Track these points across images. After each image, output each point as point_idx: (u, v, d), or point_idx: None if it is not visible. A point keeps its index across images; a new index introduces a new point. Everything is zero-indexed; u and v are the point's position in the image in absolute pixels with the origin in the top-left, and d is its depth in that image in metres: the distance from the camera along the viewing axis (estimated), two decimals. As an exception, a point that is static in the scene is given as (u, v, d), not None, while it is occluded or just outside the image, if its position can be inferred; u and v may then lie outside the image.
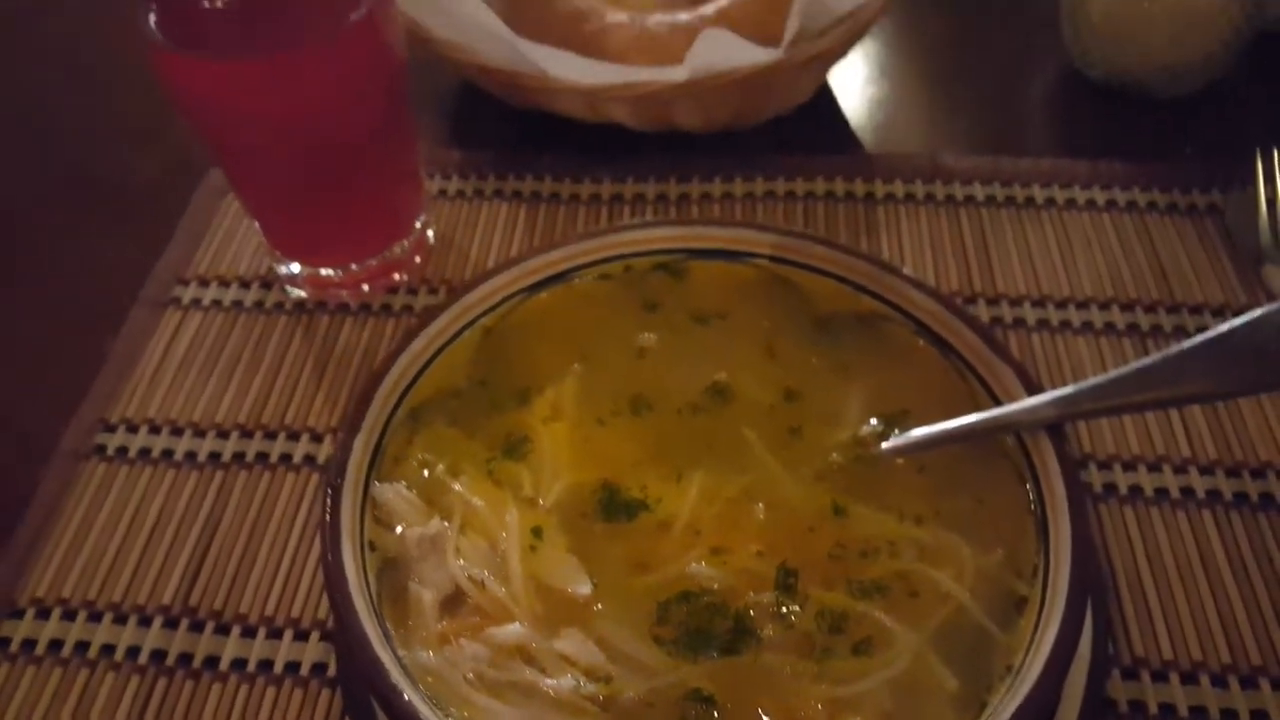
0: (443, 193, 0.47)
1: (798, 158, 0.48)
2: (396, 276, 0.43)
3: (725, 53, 0.43)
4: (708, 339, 0.33)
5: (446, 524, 0.29)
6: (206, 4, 0.32)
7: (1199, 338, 0.29)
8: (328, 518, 0.28)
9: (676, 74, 0.42)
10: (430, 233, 0.45)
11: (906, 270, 0.34)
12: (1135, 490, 0.36)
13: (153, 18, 0.33)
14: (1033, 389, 0.30)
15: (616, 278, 0.34)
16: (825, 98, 0.50)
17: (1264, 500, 0.35)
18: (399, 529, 0.29)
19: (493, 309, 0.33)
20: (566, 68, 0.43)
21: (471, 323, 0.32)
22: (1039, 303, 0.42)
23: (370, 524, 0.29)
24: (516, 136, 0.49)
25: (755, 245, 0.34)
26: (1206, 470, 0.37)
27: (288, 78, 0.33)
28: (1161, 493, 0.36)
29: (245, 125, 0.35)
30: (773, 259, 0.34)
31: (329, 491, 0.28)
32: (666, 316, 0.34)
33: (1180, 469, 0.37)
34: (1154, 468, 0.37)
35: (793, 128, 0.48)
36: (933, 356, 0.32)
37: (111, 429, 0.39)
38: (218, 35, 0.33)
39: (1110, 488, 0.36)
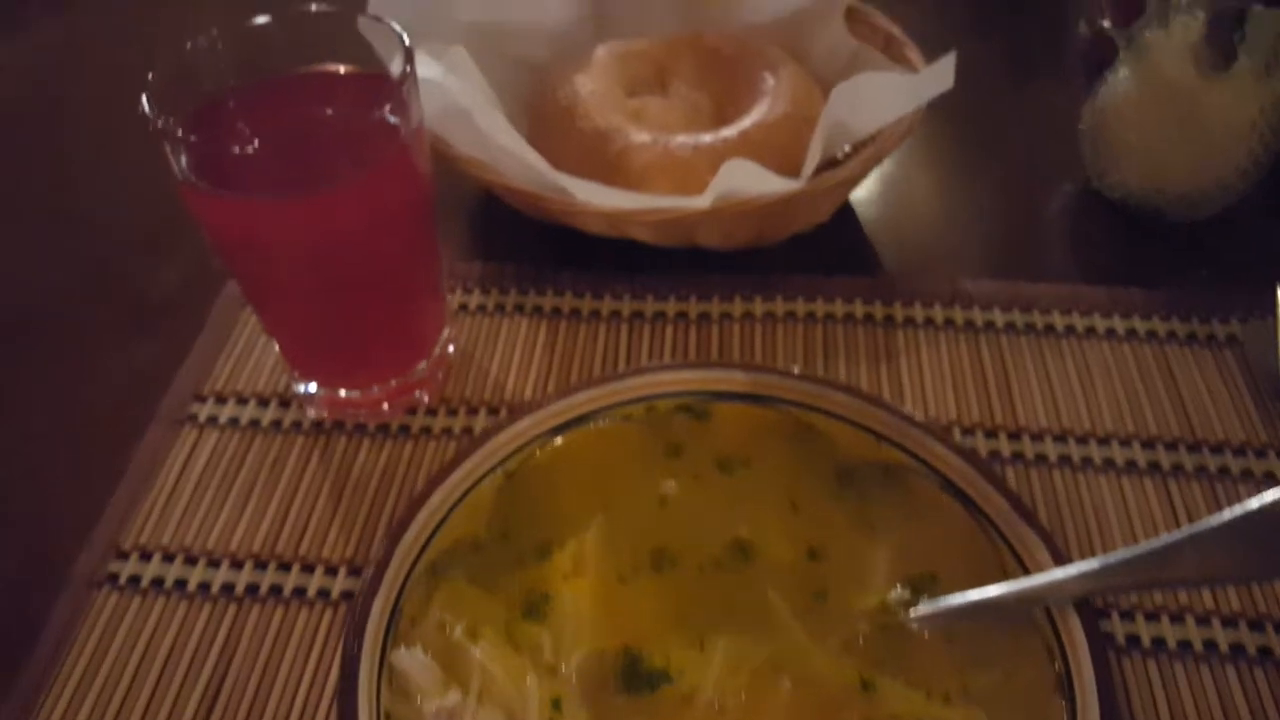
0: (463, 307, 0.47)
1: (817, 278, 0.48)
2: (417, 394, 0.43)
3: (747, 181, 0.43)
4: (730, 488, 0.33)
5: (464, 695, 0.29)
6: (236, 149, 0.32)
7: (1226, 515, 0.29)
8: (344, 687, 0.28)
9: (699, 202, 0.43)
10: (451, 349, 0.45)
11: (930, 423, 0.34)
12: (1158, 643, 0.36)
13: (183, 157, 0.33)
14: (1060, 559, 0.30)
15: (639, 419, 0.34)
16: (845, 215, 0.50)
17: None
18: (417, 699, 0.29)
19: (515, 453, 0.33)
20: (590, 191, 0.44)
21: (493, 468, 0.32)
22: (1060, 438, 0.41)
23: (387, 693, 0.29)
24: (538, 250, 0.49)
25: (778, 390, 0.34)
26: (1230, 622, 0.36)
27: (318, 216, 0.33)
28: (1185, 646, 0.36)
29: (271, 258, 0.35)
30: (796, 404, 0.34)
31: (345, 660, 0.28)
32: (689, 462, 0.34)
33: (1203, 620, 0.36)
34: (1177, 618, 0.36)
35: (812, 246, 0.48)
36: (959, 514, 0.32)
37: (124, 555, 0.38)
38: (246, 168, 0.33)
39: (1133, 639, 0.36)
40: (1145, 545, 0.30)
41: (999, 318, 0.46)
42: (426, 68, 0.45)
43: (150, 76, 0.32)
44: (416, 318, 0.40)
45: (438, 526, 0.31)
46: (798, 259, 0.49)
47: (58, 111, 0.62)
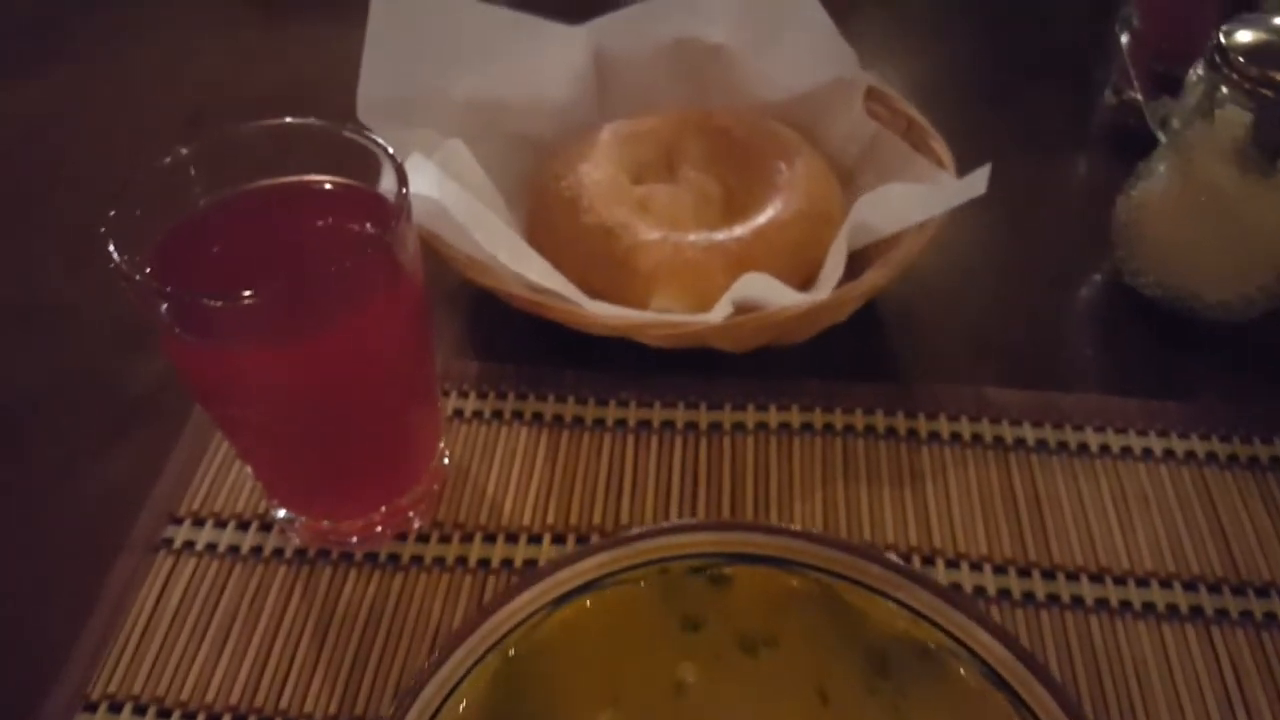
0: (459, 413, 0.44)
1: (835, 384, 0.45)
2: (410, 514, 0.40)
3: (764, 293, 0.40)
4: (754, 674, 0.30)
5: None
6: (212, 290, 0.29)
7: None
8: None
9: (712, 317, 0.40)
10: (446, 460, 0.42)
11: (970, 601, 0.31)
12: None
13: (163, 306, 0.30)
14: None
15: (651, 582, 0.32)
16: (863, 316, 0.46)
17: None
18: None
19: (516, 627, 0.30)
20: (597, 303, 0.41)
21: (490, 650, 0.29)
22: (1097, 577, 0.39)
23: None
24: (538, 348, 0.46)
25: (806, 557, 0.32)
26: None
27: (307, 362, 0.31)
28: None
29: (252, 402, 0.32)
30: (823, 571, 0.32)
31: None
32: (709, 639, 0.31)
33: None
34: None
35: (829, 347, 0.45)
36: (1000, 705, 0.30)
37: (93, 706, 0.35)
38: (225, 311, 0.30)
39: None
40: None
41: (1029, 434, 0.44)
42: (419, 172, 0.42)
43: (111, 214, 0.29)
44: (409, 446, 0.38)
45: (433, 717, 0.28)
46: (814, 360, 0.46)
47: (25, 192, 0.58)
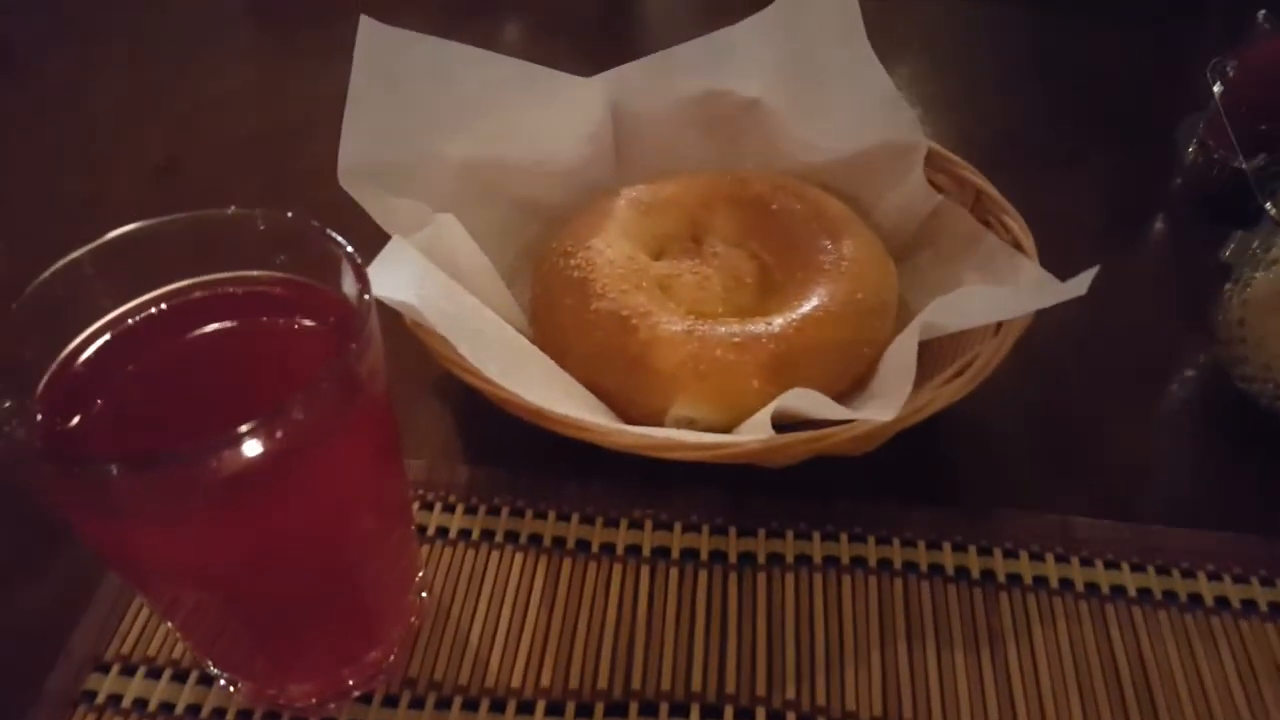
0: (442, 532, 0.37)
1: (890, 507, 0.38)
2: (379, 666, 0.32)
3: (812, 409, 0.34)
4: None
5: None
6: (117, 471, 0.22)
7: None
8: None
9: (747, 440, 0.33)
10: (425, 595, 0.35)
11: None
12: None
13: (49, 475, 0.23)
14: None
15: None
16: (925, 422, 0.37)
17: None
18: None
19: None
20: (609, 422, 0.35)
21: None
22: (1225, 780, 0.32)
23: None
24: (539, 453, 0.39)
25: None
26: None
27: (250, 529, 0.24)
28: None
29: (175, 576, 0.26)
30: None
31: None
32: None
33: None
34: None
35: (884, 459, 0.37)
36: None
37: None
38: (144, 477, 0.23)
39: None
40: None
41: (1129, 580, 0.36)
42: (398, 260, 0.36)
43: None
44: (375, 599, 0.31)
45: None
46: (864, 472, 0.38)
47: None
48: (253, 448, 0.23)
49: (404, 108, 0.41)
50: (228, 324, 0.26)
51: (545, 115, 0.44)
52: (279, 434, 0.22)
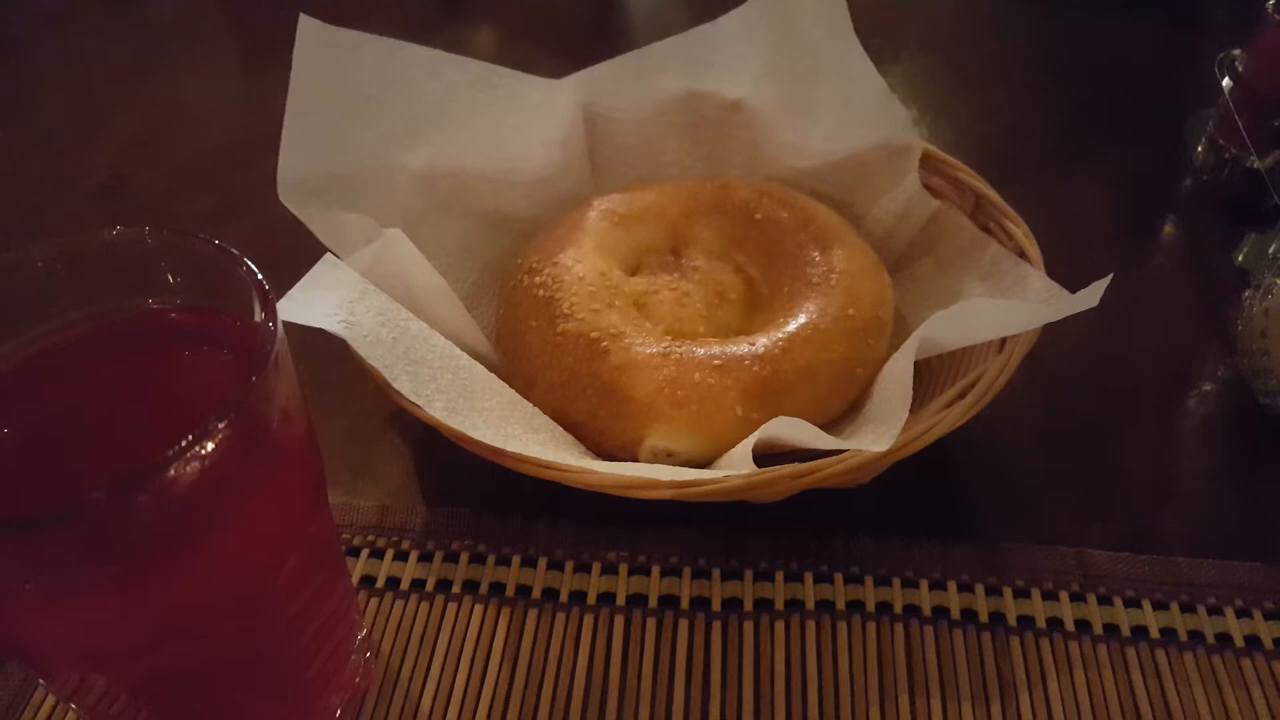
0: (392, 583, 0.34)
1: (889, 542, 0.34)
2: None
3: (800, 438, 0.31)
4: None
5: None
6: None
7: None
8: None
9: (728, 475, 0.29)
10: (369, 656, 0.31)
11: None
12: None
13: None
14: None
15: None
16: (927, 448, 0.33)
17: None
18: None
19: None
20: (577, 460, 0.31)
21: None
22: None
23: None
24: (502, 494, 0.36)
25: None
26: None
27: (153, 601, 0.21)
28: None
29: (72, 657, 0.22)
30: None
31: None
32: None
33: None
34: None
35: (882, 490, 0.34)
36: None
37: None
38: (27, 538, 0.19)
39: None
40: None
41: (1151, 620, 0.32)
42: (329, 282, 0.32)
43: None
44: (306, 670, 0.27)
45: None
46: (860, 503, 0.35)
47: None
48: (143, 500, 0.19)
49: (351, 115, 0.37)
50: (120, 359, 0.23)
51: (510, 121, 0.40)
52: (173, 483, 0.19)
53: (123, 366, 0.23)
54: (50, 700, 0.31)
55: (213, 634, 0.24)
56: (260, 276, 0.22)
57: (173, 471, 0.19)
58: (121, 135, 0.58)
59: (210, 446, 0.20)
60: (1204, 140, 0.53)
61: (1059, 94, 0.60)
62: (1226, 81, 0.51)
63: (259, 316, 0.22)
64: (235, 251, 0.22)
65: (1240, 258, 0.48)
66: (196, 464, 0.20)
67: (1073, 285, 0.33)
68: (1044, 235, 0.39)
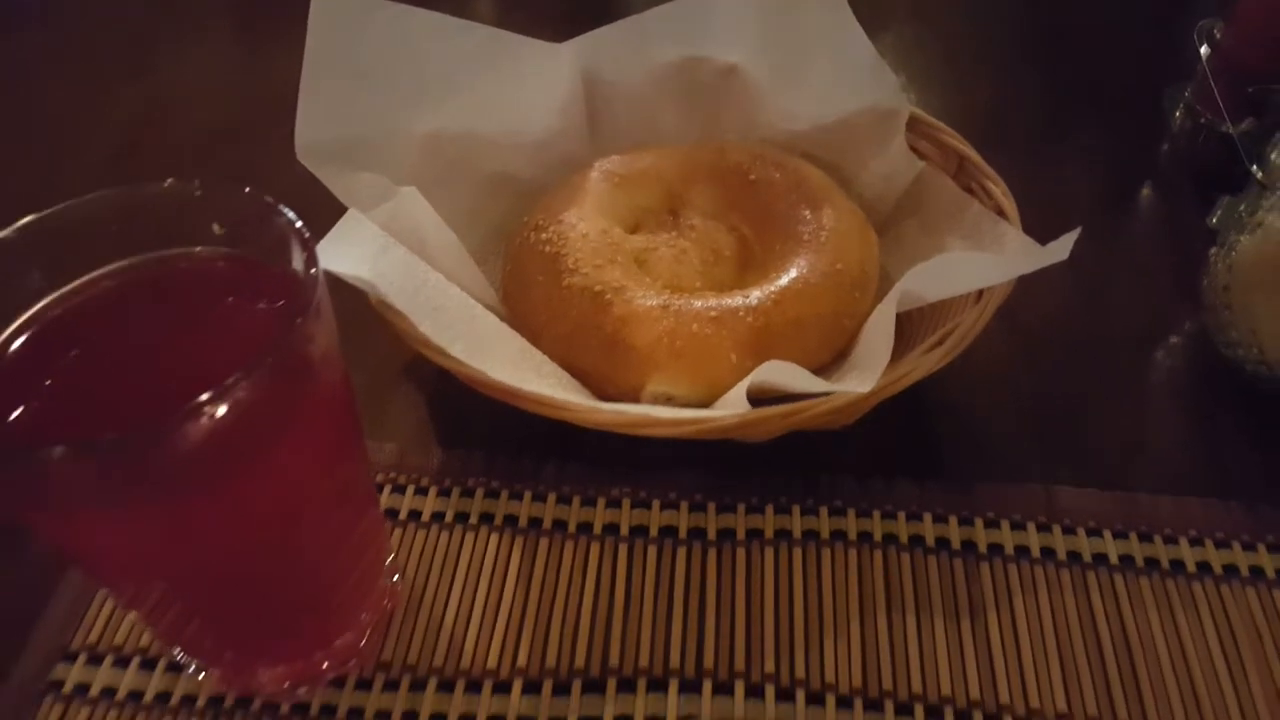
0: (414, 515, 0.37)
1: (872, 481, 0.37)
2: (351, 652, 0.32)
3: (788, 382, 0.33)
4: None
5: None
6: (56, 457, 0.20)
7: None
8: None
9: (723, 414, 0.32)
10: (396, 579, 0.34)
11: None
12: None
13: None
14: None
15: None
16: (906, 393, 0.36)
17: None
18: None
19: None
20: (583, 398, 0.34)
21: None
22: (1206, 746, 0.32)
23: None
24: (514, 435, 0.38)
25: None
26: None
27: (186, 520, 0.23)
28: None
29: (127, 570, 0.25)
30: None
31: None
32: None
33: None
34: None
35: (864, 432, 0.37)
36: None
37: None
38: (92, 464, 0.22)
39: None
40: None
41: (1111, 548, 0.35)
42: (354, 237, 0.35)
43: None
44: (342, 583, 0.30)
45: None
46: (845, 446, 0.38)
47: None
48: (196, 431, 0.22)
49: (364, 79, 0.39)
50: (169, 305, 0.25)
51: (513, 85, 0.42)
52: (224, 416, 0.22)
53: (174, 309, 0.26)
54: (109, 605, 0.34)
55: (259, 550, 0.27)
56: (301, 226, 0.24)
57: (225, 403, 0.22)
58: (128, 107, 0.59)
59: (260, 382, 0.22)
60: (1182, 108, 0.55)
61: (1044, 63, 0.62)
62: (1205, 50, 0.53)
63: (301, 264, 0.24)
64: (279, 204, 0.25)
65: (1214, 220, 0.50)
66: (247, 397, 0.22)
67: (1042, 240, 0.35)
68: (1024, 199, 0.41)
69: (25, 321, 0.24)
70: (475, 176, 0.43)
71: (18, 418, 0.23)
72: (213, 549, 0.26)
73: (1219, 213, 0.50)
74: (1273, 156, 0.41)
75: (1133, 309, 0.45)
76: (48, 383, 0.23)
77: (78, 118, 0.59)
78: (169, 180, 0.24)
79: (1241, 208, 0.41)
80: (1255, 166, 0.43)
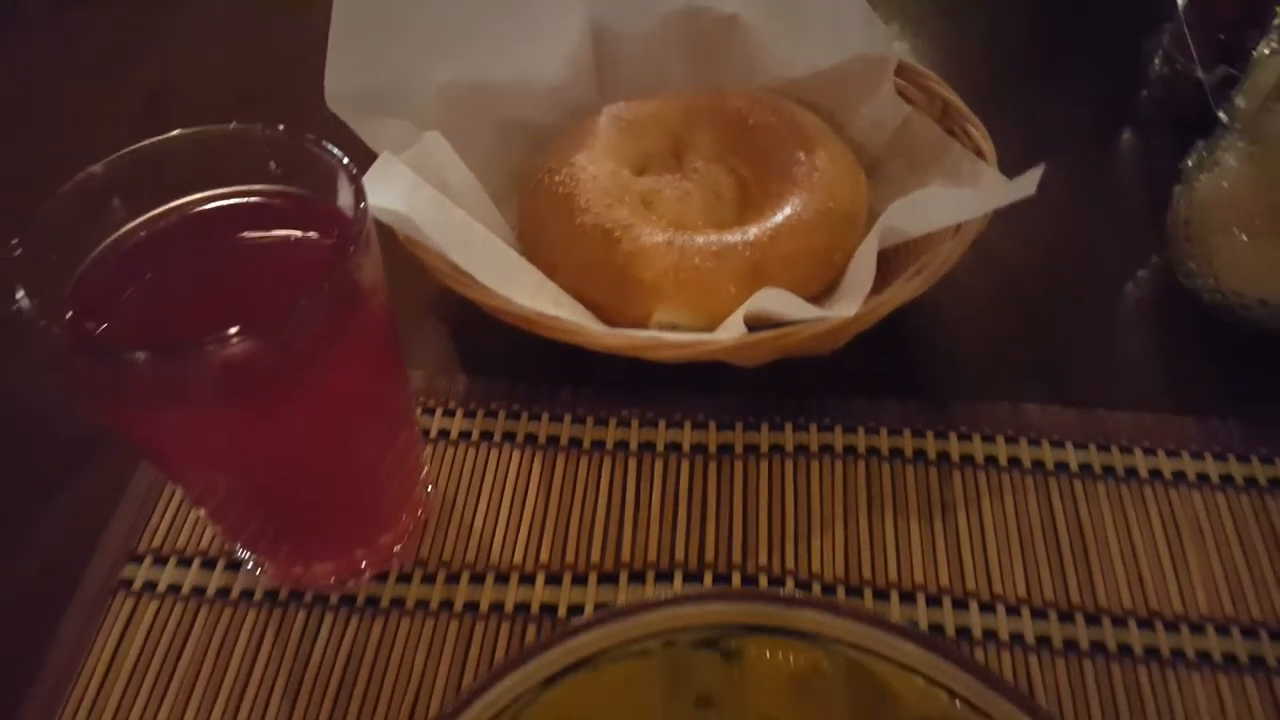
0: (444, 434, 0.41)
1: (857, 400, 0.41)
2: (391, 552, 0.36)
3: (781, 308, 0.36)
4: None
5: None
6: (150, 359, 0.24)
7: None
8: None
9: (722, 337, 0.36)
10: (430, 489, 0.39)
11: (1022, 694, 0.27)
12: None
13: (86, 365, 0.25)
14: None
15: (654, 657, 0.28)
16: (889, 323, 0.40)
17: None
18: None
19: (500, 713, 0.27)
20: (595, 323, 0.37)
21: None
22: (1147, 622, 0.35)
23: None
24: (532, 362, 0.42)
25: (828, 629, 0.28)
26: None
27: (256, 417, 0.27)
28: None
29: (199, 460, 0.28)
30: (848, 644, 0.28)
31: None
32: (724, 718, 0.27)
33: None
34: None
35: (851, 358, 0.41)
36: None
37: (43, 774, 0.33)
38: (168, 367, 0.25)
39: None
40: None
41: (1072, 457, 0.40)
42: (388, 175, 0.38)
43: (15, 251, 0.24)
44: (385, 486, 0.34)
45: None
46: (834, 372, 0.42)
47: None
48: (261, 343, 0.25)
49: (388, 30, 0.42)
50: (234, 235, 0.28)
51: (526, 35, 0.45)
52: (284, 331, 0.25)
53: (239, 239, 0.29)
54: (170, 512, 0.38)
55: (315, 451, 0.30)
56: (349, 163, 0.27)
57: (286, 320, 0.25)
58: (154, 54, 0.62)
59: (318, 304, 0.26)
60: (1160, 55, 0.57)
61: (1030, 12, 0.64)
62: (1182, -2, 0.55)
63: (351, 200, 0.27)
64: (332, 146, 0.28)
65: (1188, 164, 0.53)
66: (307, 317, 0.26)
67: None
68: (1008, 143, 0.44)
69: (110, 245, 0.27)
70: (491, 123, 0.46)
71: (104, 328, 0.27)
72: (272, 451, 0.30)
73: (1193, 157, 0.53)
74: (1237, 101, 0.44)
75: (1103, 245, 0.49)
76: (130, 298, 0.27)
77: (102, 82, 0.61)
78: (234, 124, 0.27)
79: (1203, 148, 0.44)
80: (1221, 111, 0.46)
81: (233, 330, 0.24)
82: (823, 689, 0.27)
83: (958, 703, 0.26)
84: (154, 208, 0.27)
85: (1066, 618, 0.35)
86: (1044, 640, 0.35)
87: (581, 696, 0.26)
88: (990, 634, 0.35)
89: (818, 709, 0.27)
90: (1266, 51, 0.41)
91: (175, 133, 0.27)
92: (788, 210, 0.41)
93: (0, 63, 0.61)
